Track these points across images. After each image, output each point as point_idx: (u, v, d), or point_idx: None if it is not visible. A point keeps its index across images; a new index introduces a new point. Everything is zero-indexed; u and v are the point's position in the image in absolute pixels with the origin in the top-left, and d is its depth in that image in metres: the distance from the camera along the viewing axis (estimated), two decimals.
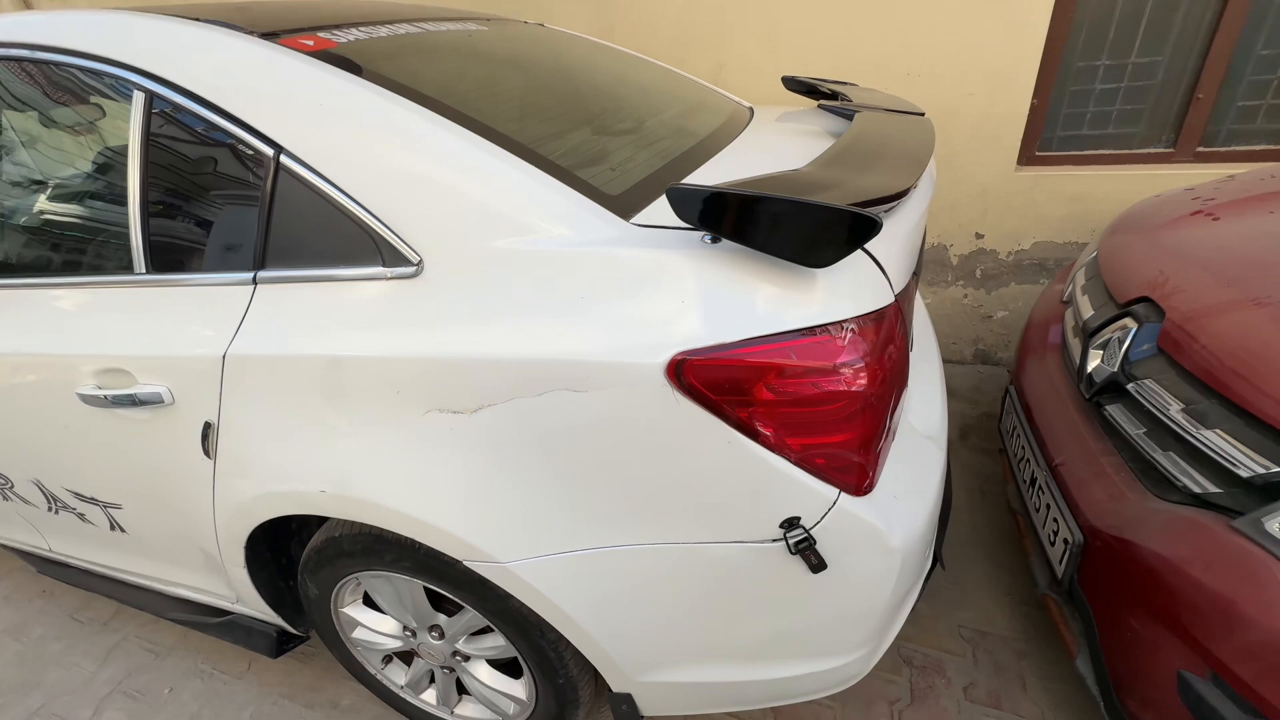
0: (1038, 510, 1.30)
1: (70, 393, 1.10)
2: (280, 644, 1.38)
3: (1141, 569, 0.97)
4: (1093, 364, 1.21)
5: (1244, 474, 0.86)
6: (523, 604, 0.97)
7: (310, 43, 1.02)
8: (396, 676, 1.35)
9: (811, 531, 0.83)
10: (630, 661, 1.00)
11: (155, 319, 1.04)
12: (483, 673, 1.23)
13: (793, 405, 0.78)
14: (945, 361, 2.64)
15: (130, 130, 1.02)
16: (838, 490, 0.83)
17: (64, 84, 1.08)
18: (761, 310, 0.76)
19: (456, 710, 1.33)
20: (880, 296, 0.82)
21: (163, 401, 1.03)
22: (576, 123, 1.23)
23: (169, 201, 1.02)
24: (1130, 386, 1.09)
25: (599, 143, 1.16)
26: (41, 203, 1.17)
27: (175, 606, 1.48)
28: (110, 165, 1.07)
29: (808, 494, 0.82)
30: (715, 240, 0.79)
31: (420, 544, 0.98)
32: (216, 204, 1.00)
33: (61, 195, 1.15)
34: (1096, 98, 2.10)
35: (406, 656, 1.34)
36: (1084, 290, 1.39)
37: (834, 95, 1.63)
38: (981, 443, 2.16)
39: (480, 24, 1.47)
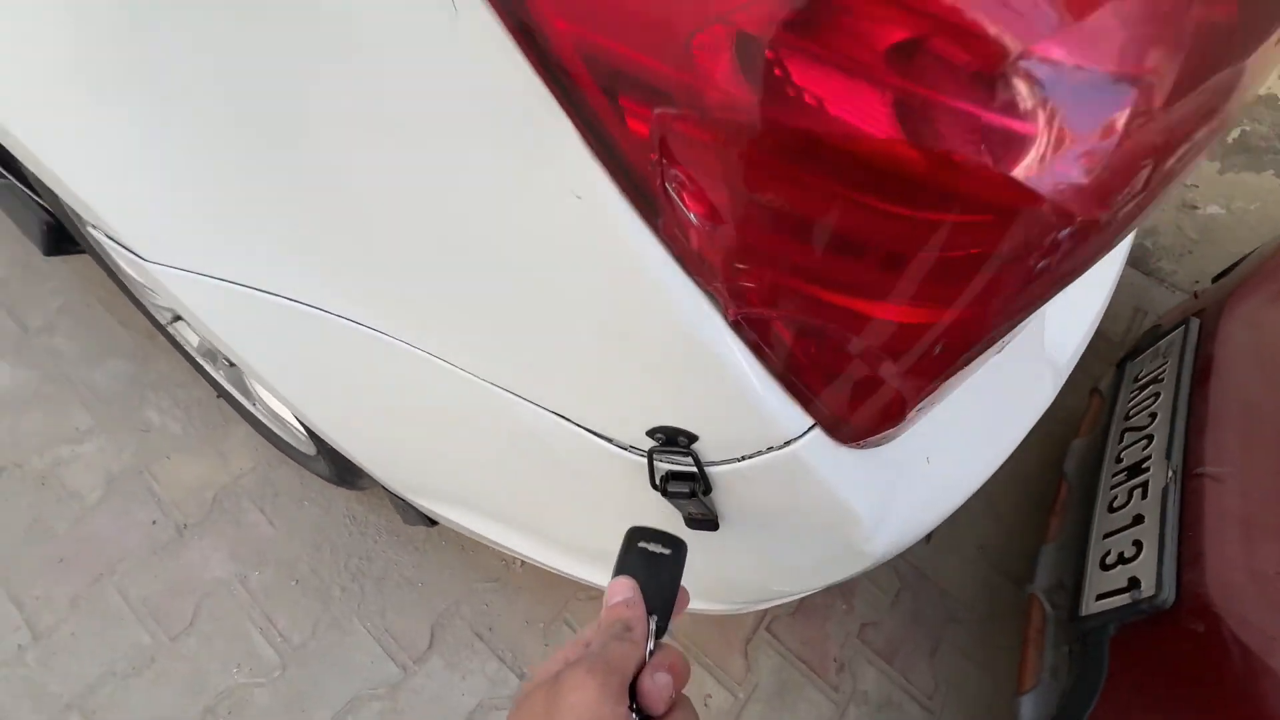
0: (1112, 510, 0.83)
1: None
2: (54, 240, 1.03)
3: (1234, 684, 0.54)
4: None
5: None
6: None
7: None
8: (189, 336, 1.03)
9: (708, 470, 0.37)
10: (383, 472, 0.64)
11: None
12: (261, 390, 0.90)
13: (824, 174, 0.23)
14: None
15: None
16: (812, 421, 0.33)
17: None
18: None
19: (257, 406, 1.04)
20: None
21: None
22: None
23: None
24: None
25: None
26: None
27: None
28: None
29: (739, 405, 0.33)
30: None
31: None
32: None
33: None
34: None
35: None
36: None
37: None
38: (1079, 371, 1.58)
39: None
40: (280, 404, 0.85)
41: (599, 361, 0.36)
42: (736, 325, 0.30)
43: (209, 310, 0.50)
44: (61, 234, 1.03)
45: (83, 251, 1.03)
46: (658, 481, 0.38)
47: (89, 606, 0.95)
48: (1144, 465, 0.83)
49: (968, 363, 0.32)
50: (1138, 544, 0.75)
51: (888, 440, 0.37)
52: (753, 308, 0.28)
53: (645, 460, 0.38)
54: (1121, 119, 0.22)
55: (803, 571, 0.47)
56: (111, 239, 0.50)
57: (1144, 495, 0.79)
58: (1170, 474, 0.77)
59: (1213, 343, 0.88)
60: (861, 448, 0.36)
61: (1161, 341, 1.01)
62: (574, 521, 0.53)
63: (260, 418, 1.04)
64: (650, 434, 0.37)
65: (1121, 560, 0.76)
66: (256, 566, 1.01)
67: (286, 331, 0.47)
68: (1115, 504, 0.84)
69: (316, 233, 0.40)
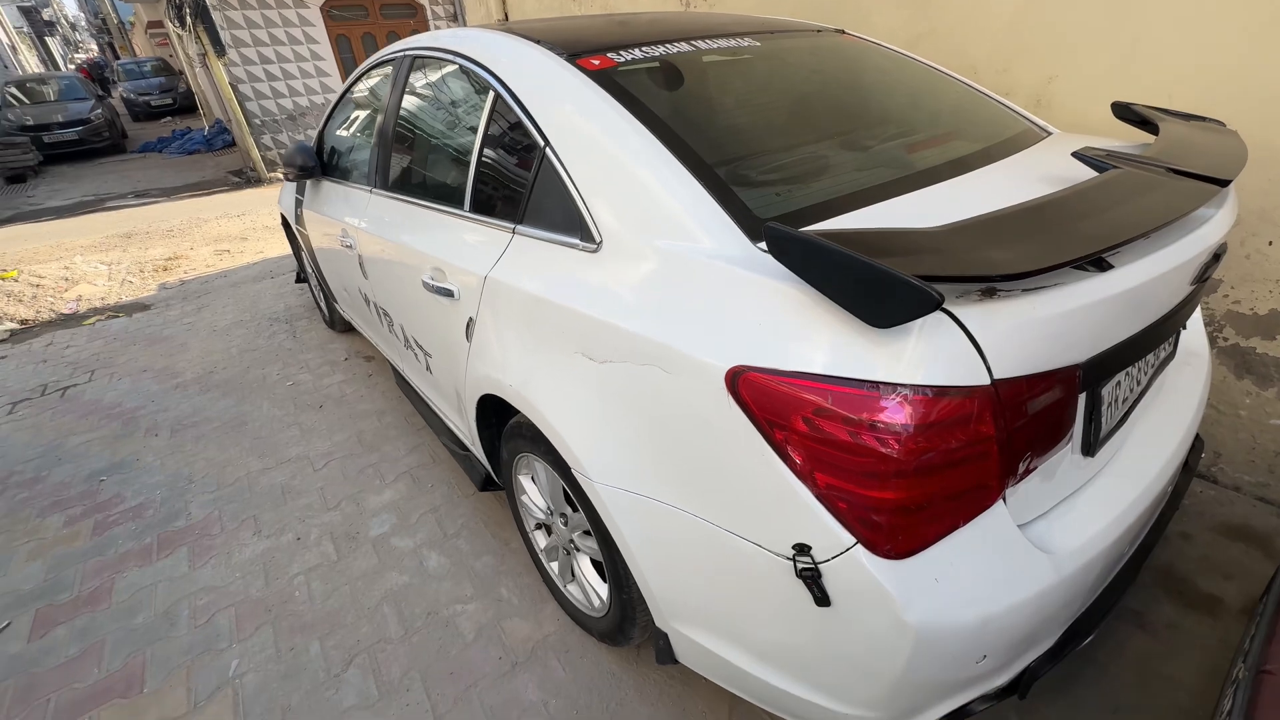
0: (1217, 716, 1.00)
1: (418, 276, 1.73)
2: (485, 483, 1.93)
3: None
4: None
5: None
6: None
7: (597, 62, 1.34)
8: (540, 541, 1.77)
9: (819, 566, 0.88)
10: (665, 604, 1.19)
11: (463, 241, 1.56)
12: (585, 565, 1.56)
13: (824, 444, 0.83)
14: None
15: (481, 114, 1.52)
16: (855, 539, 0.85)
17: (453, 75, 1.65)
18: (820, 350, 0.83)
19: (568, 587, 1.69)
20: (960, 374, 0.79)
21: (453, 296, 1.56)
22: (793, 142, 1.34)
23: (488, 165, 1.51)
24: None
25: (801, 164, 1.26)
26: (426, 151, 1.81)
27: (444, 431, 2.17)
28: (467, 134, 1.60)
29: (822, 530, 0.87)
30: None
31: (554, 445, 1.31)
32: (509, 174, 1.43)
33: (437, 149, 1.76)
34: None
35: (549, 529, 1.76)
36: None
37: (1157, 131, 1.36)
38: None
39: (757, 38, 1.62)
40: (598, 581, 1.49)
41: (784, 516, 0.93)
42: (820, 498, 0.85)
43: (619, 509, 1.16)
44: (490, 480, 1.94)
45: (501, 489, 1.90)
46: (798, 572, 0.89)
47: (461, 708, 1.54)
48: (1239, 675, 1.01)
49: (913, 521, 0.82)
50: None
51: (904, 557, 0.84)
52: (820, 490, 0.84)
53: (791, 563, 0.90)
54: None
55: (883, 646, 0.87)
56: (576, 469, 1.23)
57: (1229, 698, 0.97)
58: (1249, 673, 0.96)
59: None
60: (885, 557, 0.83)
61: (1276, 575, 1.18)
62: (759, 618, 1.02)
63: (567, 596, 1.68)
64: (793, 547, 0.89)
65: None
66: (554, 696, 1.53)
67: (669, 528, 1.08)
68: (1222, 707, 1.00)
69: (700, 484, 1.04)
